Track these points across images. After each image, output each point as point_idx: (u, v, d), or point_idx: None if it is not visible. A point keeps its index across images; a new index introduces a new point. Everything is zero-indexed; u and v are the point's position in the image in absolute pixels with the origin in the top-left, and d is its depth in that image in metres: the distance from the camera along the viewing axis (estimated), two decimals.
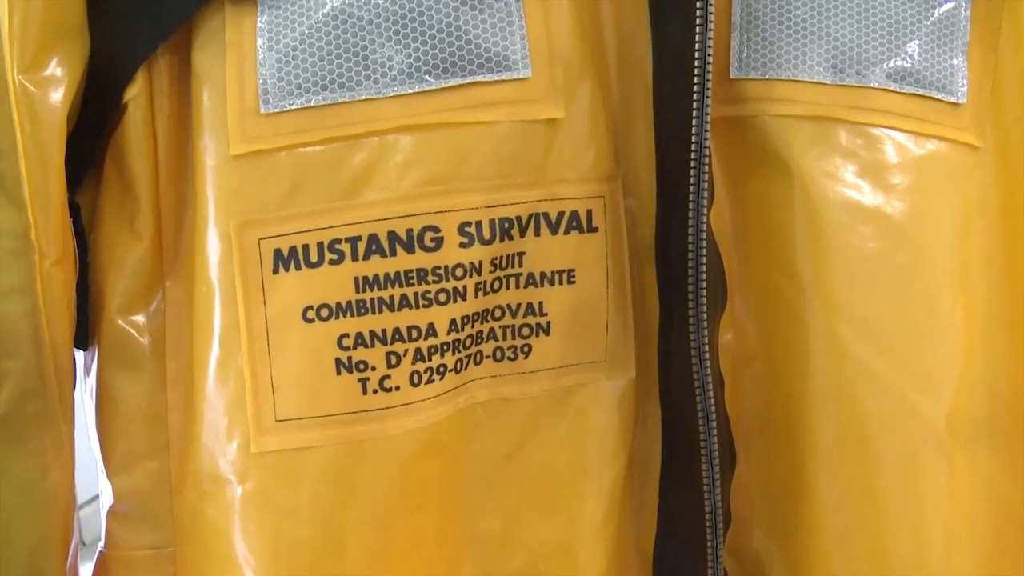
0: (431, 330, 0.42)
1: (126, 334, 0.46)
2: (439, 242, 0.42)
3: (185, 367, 0.45)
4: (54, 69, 0.42)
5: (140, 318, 0.46)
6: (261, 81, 0.40)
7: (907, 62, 0.46)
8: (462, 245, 0.42)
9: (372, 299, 0.42)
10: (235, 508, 0.43)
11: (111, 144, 0.45)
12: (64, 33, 0.42)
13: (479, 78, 0.41)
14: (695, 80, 0.43)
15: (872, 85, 0.45)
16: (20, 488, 0.43)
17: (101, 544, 0.49)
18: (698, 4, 0.42)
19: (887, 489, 0.47)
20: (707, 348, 0.45)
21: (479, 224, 0.42)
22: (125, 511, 0.47)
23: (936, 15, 0.46)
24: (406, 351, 0.42)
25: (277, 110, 0.40)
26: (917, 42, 0.46)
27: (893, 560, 0.47)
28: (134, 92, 0.43)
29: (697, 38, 0.42)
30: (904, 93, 0.46)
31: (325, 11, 0.40)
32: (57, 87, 0.42)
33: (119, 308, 0.45)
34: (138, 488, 0.47)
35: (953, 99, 0.46)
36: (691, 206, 0.44)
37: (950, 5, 0.46)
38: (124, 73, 0.43)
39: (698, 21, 0.42)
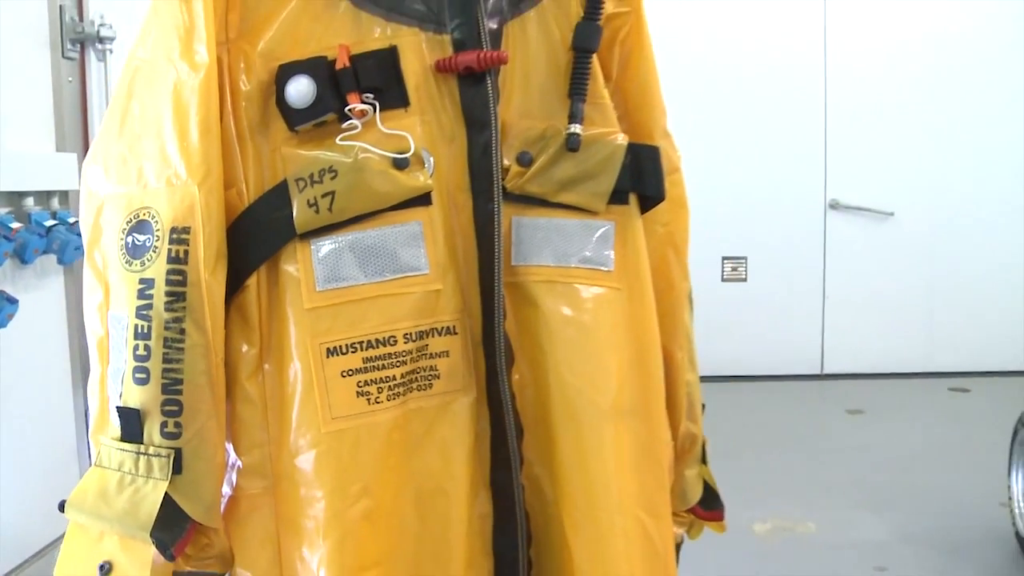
0: (393, 377, 0.99)
1: (248, 391, 1.00)
2: (395, 341, 0.98)
3: (277, 404, 1.00)
4: (218, 273, 0.96)
5: (253, 383, 1.01)
6: (316, 275, 0.96)
7: (587, 254, 1.07)
8: (405, 340, 0.99)
9: (368, 366, 0.98)
10: (312, 460, 0.98)
11: (234, 302, 0.99)
12: (221, 255, 0.97)
13: (408, 275, 0.99)
14: (497, 265, 1.02)
15: (572, 265, 1.06)
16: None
17: (229, 490, 1.02)
18: (496, 233, 1.01)
19: (587, 440, 1.07)
20: (506, 382, 1.04)
21: (410, 334, 1.00)
22: (247, 471, 1.01)
23: (598, 233, 1.07)
24: (382, 387, 0.99)
25: (321, 289, 0.97)
26: (590, 246, 1.07)
27: (592, 474, 1.07)
28: (251, 281, 0.98)
29: (497, 252, 1.02)
30: (586, 268, 1.07)
31: (338, 245, 0.97)
32: (221, 283, 0.97)
33: (245, 376, 1.00)
34: (254, 460, 1.01)
35: (607, 269, 1.08)
36: (496, 322, 1.03)
37: (604, 228, 1.07)
38: (246, 274, 0.99)
39: (497, 242, 1.01)
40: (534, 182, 1.06)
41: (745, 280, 5.97)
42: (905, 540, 3.39)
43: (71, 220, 3.04)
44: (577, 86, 1.07)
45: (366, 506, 0.99)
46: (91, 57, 3.41)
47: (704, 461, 1.31)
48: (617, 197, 1.09)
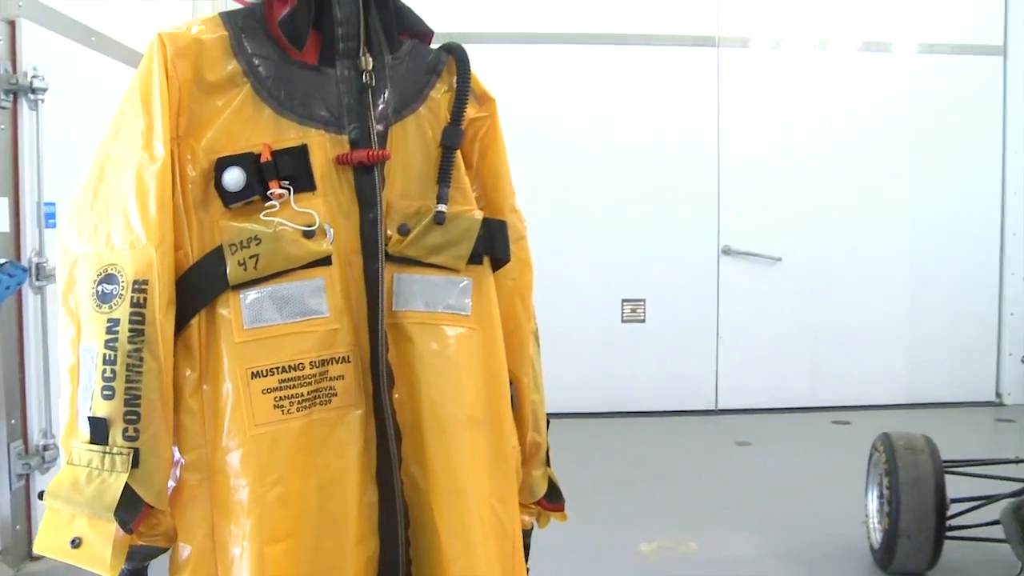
0: (302, 394, 1.33)
1: (190, 405, 1.32)
2: (303, 367, 1.32)
3: (212, 414, 1.32)
4: (169, 315, 1.28)
5: (195, 399, 1.32)
6: (244, 317, 1.29)
7: (450, 302, 1.42)
8: (311, 367, 1.33)
9: (283, 385, 1.31)
10: (239, 457, 1.30)
11: (181, 336, 1.31)
12: (171, 301, 1.29)
13: (313, 317, 1.33)
14: (381, 310, 1.36)
15: (439, 311, 1.42)
16: None
17: (173, 482, 1.33)
18: (381, 286, 1.35)
19: (450, 444, 1.41)
20: (388, 399, 1.38)
21: (314, 361, 1.33)
22: (188, 466, 1.33)
23: (459, 286, 1.42)
24: (293, 401, 1.32)
25: (248, 327, 1.29)
26: (453, 296, 1.41)
27: (455, 470, 1.41)
28: (194, 321, 1.31)
29: (381, 300, 1.36)
30: (449, 313, 1.42)
31: (261, 295, 1.30)
32: (171, 322, 1.29)
33: (188, 393, 1.31)
34: (194, 458, 1.33)
35: (466, 313, 1.43)
36: (380, 353, 1.38)
37: (464, 282, 1.42)
38: (190, 316, 1.31)
39: (381, 293, 1.36)
40: (410, 247, 1.42)
41: (644, 321, 6.36)
42: (776, 556, 3.77)
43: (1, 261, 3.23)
44: (444, 175, 1.43)
45: (280, 492, 1.32)
46: (23, 107, 3.56)
47: (548, 464, 1.65)
48: (474, 259, 1.46)
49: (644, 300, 6.35)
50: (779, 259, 6.43)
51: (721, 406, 6.44)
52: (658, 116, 6.33)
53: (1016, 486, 3.35)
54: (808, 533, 3.99)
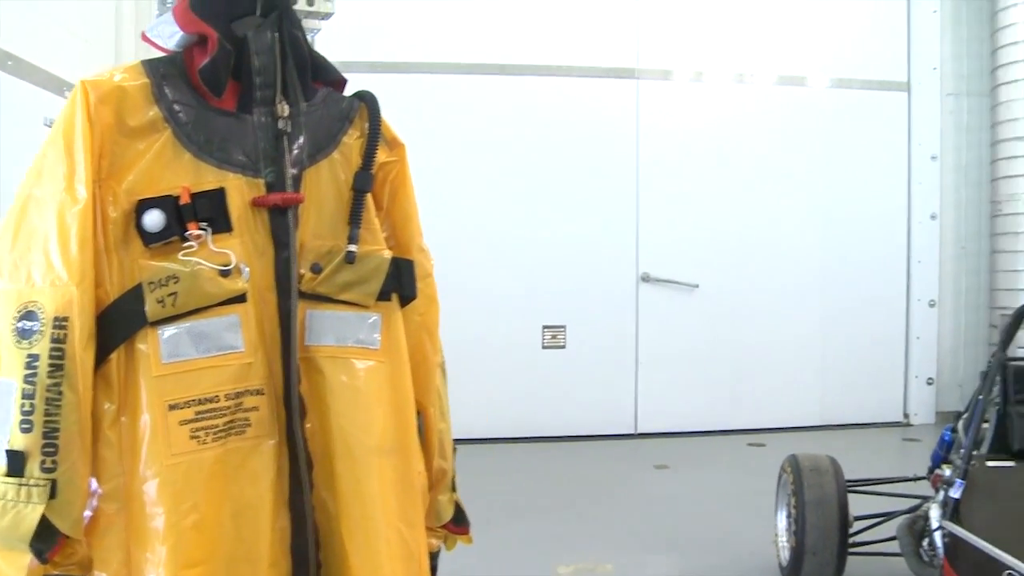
0: (217, 425, 1.40)
1: (108, 436, 1.37)
2: (218, 399, 1.38)
3: (130, 445, 1.37)
4: (89, 350, 1.34)
5: (113, 431, 1.38)
6: (162, 352, 1.36)
7: (360, 337, 1.50)
8: (226, 399, 1.39)
9: (199, 417, 1.37)
10: (155, 485, 1.35)
11: (100, 371, 1.37)
12: (91, 337, 1.35)
13: (228, 352, 1.40)
14: (294, 345, 1.44)
15: (349, 345, 1.49)
16: None
17: (90, 512, 1.38)
18: (293, 322, 1.43)
19: (359, 471, 1.49)
20: (300, 429, 1.45)
21: (230, 394, 1.41)
22: (106, 496, 1.38)
23: (369, 322, 1.50)
24: (209, 431, 1.39)
25: (166, 362, 1.36)
26: (363, 331, 1.49)
27: (363, 496, 1.49)
28: (113, 356, 1.37)
29: (294, 335, 1.44)
30: (359, 347, 1.50)
31: (179, 330, 1.36)
32: (91, 357, 1.34)
33: (107, 426, 1.37)
34: (111, 488, 1.38)
35: (375, 347, 1.51)
36: (293, 385, 1.45)
37: (373, 318, 1.51)
38: (109, 351, 1.37)
39: (294, 328, 1.43)
40: (322, 285, 1.49)
41: (564, 347, 6.48)
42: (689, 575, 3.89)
43: None
44: (355, 216, 1.52)
45: (195, 519, 1.38)
46: None
47: (454, 489, 1.74)
48: (383, 296, 1.54)
49: (565, 326, 6.47)
50: (696, 286, 6.61)
51: (640, 430, 6.57)
52: (579, 146, 6.49)
53: (914, 502, 3.51)
54: (722, 553, 4.13)
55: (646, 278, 6.54)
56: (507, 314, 6.35)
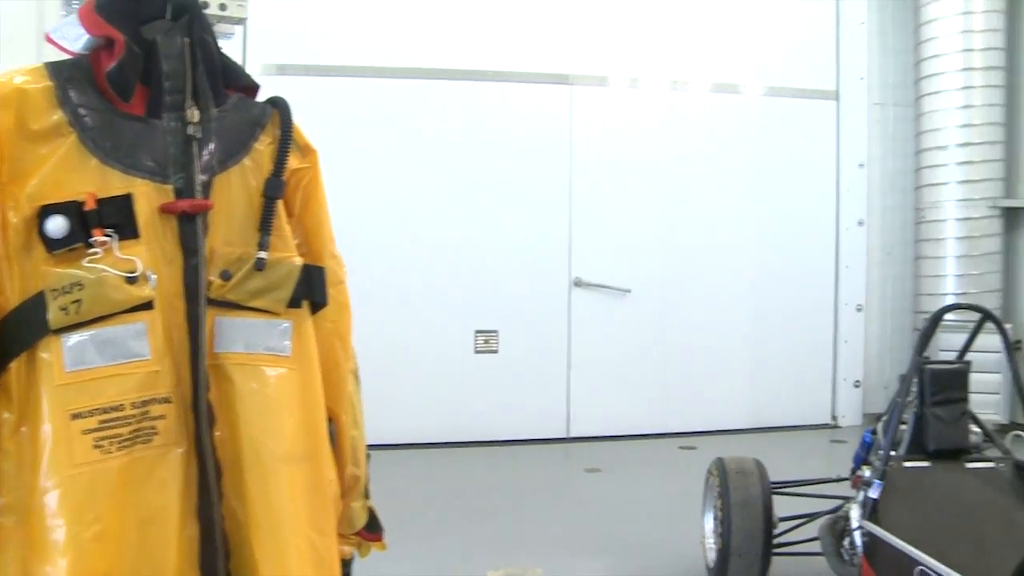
0: (122, 434, 1.38)
1: (7, 448, 1.35)
2: (123, 408, 1.36)
3: (30, 456, 1.35)
4: None
5: (12, 442, 1.35)
6: (64, 360, 1.33)
7: (270, 344, 1.49)
8: (132, 407, 1.37)
9: (104, 426, 1.35)
10: (56, 497, 1.33)
11: (0, 379, 1.34)
12: None
13: (134, 360, 1.38)
14: (202, 352, 1.43)
15: (259, 352, 1.48)
16: None
17: None
18: (202, 329, 1.41)
19: (269, 479, 1.48)
20: (209, 437, 1.44)
21: (136, 402, 1.39)
22: (4, 509, 1.35)
23: (279, 329, 1.50)
24: (114, 441, 1.37)
25: (69, 370, 1.34)
26: (273, 338, 1.49)
27: (273, 504, 1.48)
28: (13, 364, 1.34)
29: (202, 343, 1.42)
30: (269, 354, 1.49)
31: (83, 338, 1.34)
32: None
33: (5, 436, 1.34)
34: (10, 501, 1.35)
35: (285, 354, 1.50)
36: (201, 393, 1.43)
37: (284, 325, 1.50)
38: (9, 360, 1.34)
39: (202, 336, 1.43)
40: (232, 292, 1.48)
41: (496, 352, 6.48)
42: None
43: None
44: (265, 223, 1.51)
45: (97, 530, 1.35)
46: None
47: (367, 496, 1.73)
48: (294, 303, 1.54)
49: (497, 331, 6.48)
50: (629, 291, 6.66)
51: (573, 434, 6.60)
52: (513, 151, 6.50)
53: (837, 503, 3.58)
54: (651, 555, 4.17)
55: (579, 283, 6.57)
56: (440, 319, 6.33)
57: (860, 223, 7.23)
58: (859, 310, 7.23)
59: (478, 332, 6.44)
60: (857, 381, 7.22)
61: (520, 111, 6.53)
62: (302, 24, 6.06)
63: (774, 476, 3.70)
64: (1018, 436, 3.48)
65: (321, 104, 5.84)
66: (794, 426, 7.01)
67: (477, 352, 6.45)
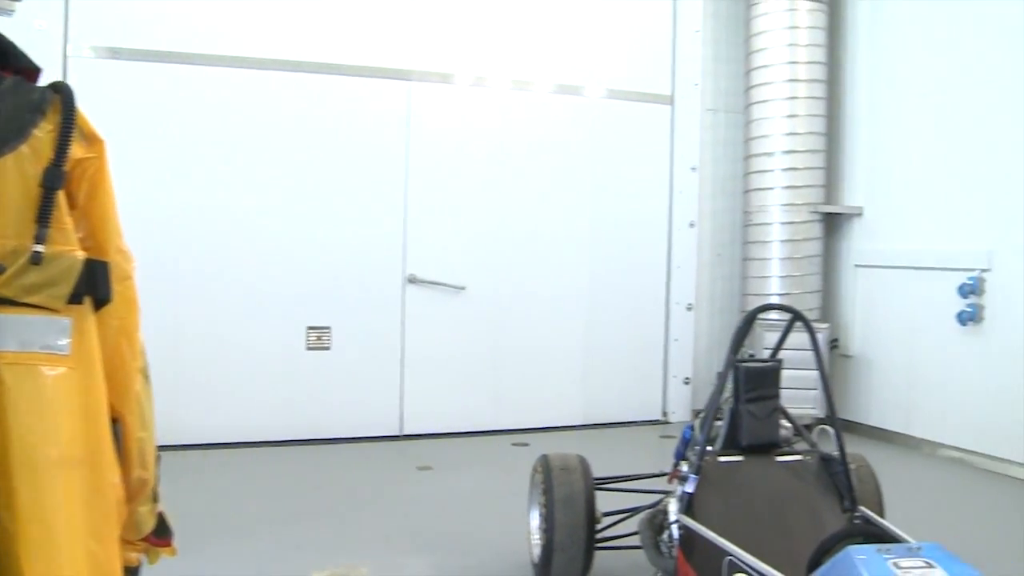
0: None
1: None
2: None
3: None
4: None
5: None
6: None
7: (48, 342, 1.40)
8: None
9: None
10: None
11: None
12: None
13: (55, 352, 1.29)
14: None
15: (35, 351, 1.38)
16: None
17: None
18: None
19: (42, 485, 1.39)
20: None
21: None
22: None
23: (58, 326, 1.41)
24: None
25: None
26: (51, 336, 1.40)
27: (46, 511, 1.39)
28: None
29: None
30: (46, 352, 1.40)
31: None
32: None
33: None
34: None
35: (64, 353, 1.41)
36: None
37: (63, 322, 1.41)
38: None
39: None
40: (5, 287, 1.39)
41: (329, 348, 6.37)
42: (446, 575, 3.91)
43: None
44: (43, 215, 1.42)
45: None
46: None
47: (156, 499, 1.66)
48: (75, 299, 1.45)
49: (330, 328, 6.37)
50: (463, 288, 6.67)
51: (406, 431, 6.56)
52: (347, 146, 6.41)
53: (658, 497, 3.66)
54: (479, 552, 4.17)
55: (413, 279, 6.53)
56: (271, 316, 6.18)
57: (692, 225, 7.46)
58: (689, 309, 7.46)
59: (310, 328, 6.31)
60: (687, 378, 7.44)
61: (357, 106, 6.43)
62: (137, 6, 5.78)
63: (604, 471, 3.75)
64: (824, 430, 3.63)
65: (154, 91, 5.62)
66: (627, 422, 7.18)
67: (309, 349, 6.32)
